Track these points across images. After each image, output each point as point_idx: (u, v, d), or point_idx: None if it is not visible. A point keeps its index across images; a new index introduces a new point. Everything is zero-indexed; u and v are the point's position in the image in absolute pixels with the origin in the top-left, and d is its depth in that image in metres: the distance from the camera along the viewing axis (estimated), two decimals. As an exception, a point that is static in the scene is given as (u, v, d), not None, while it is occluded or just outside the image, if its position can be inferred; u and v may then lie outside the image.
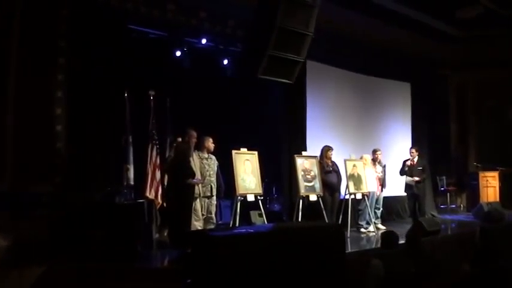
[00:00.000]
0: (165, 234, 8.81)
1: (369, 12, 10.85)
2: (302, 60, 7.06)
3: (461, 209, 13.92)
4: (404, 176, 10.63)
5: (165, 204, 8.76)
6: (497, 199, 12.67)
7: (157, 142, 8.83)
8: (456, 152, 14.73)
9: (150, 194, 8.60)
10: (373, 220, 9.85)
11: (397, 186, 11.15)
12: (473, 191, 13.39)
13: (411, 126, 13.35)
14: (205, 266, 4.96)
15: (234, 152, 8.26)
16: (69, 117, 7.88)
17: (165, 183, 8.80)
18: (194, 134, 7.49)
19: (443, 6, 11.31)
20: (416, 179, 10.35)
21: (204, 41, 9.52)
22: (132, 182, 8.35)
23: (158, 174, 8.74)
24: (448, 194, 13.41)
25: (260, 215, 9.22)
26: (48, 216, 7.17)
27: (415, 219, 9.24)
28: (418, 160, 10.52)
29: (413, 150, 10.61)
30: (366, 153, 10.36)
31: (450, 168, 14.23)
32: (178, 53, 9.31)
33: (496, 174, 13.01)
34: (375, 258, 5.13)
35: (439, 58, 13.63)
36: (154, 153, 8.75)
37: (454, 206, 13.64)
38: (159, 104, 8.93)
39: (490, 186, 12.90)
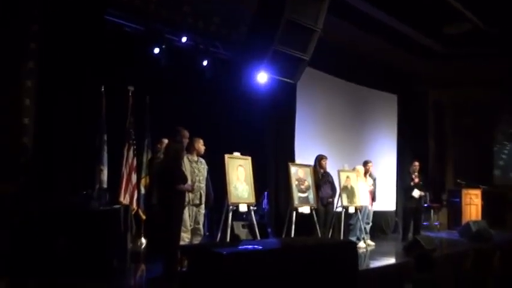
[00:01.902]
0: (139, 245, 8.07)
1: (356, 22, 10.35)
2: (307, 58, 6.38)
3: (438, 226, 13.46)
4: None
5: (141, 212, 8.06)
6: (479, 217, 12.30)
7: (134, 142, 8.09)
8: (434, 169, 14.39)
9: (124, 199, 7.85)
10: (362, 236, 9.22)
11: (380, 201, 10.52)
12: (454, 208, 13.00)
13: (396, 140, 12.86)
14: (210, 286, 4.16)
15: (226, 156, 7.49)
16: (39, 109, 6.99)
17: (143, 189, 8.12)
18: (186, 133, 6.65)
19: (430, 21, 11.00)
20: (422, 193, 9.85)
21: (184, 39, 8.70)
22: (105, 185, 7.49)
23: (134, 177, 8.05)
24: (432, 210, 12.93)
25: (243, 227, 8.52)
26: (10, 222, 6.18)
27: (414, 236, 8.66)
28: (418, 174, 10.01)
29: (417, 164, 10.14)
30: (354, 164, 9.75)
31: (429, 185, 13.83)
32: (156, 50, 8.45)
33: (479, 192, 12.76)
34: (408, 282, 4.45)
35: (420, 73, 13.32)
36: (131, 154, 8.02)
37: (437, 223, 13.17)
38: (137, 101, 8.13)
39: (472, 204, 12.60)
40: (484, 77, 13.12)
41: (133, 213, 7.89)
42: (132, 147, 8.01)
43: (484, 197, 12.85)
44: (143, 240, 8.19)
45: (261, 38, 6.12)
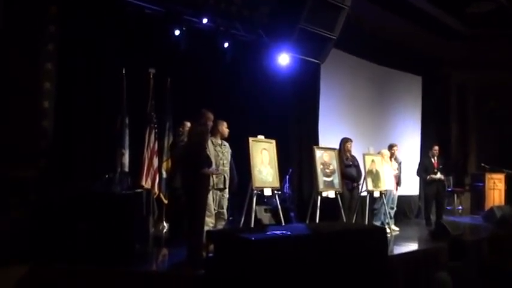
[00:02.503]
0: (161, 229, 7.98)
1: (381, 2, 9.96)
2: (334, 37, 6.18)
3: (461, 211, 13.22)
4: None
5: (163, 196, 7.96)
6: (503, 202, 12.06)
7: (155, 126, 7.99)
8: (456, 153, 14.12)
9: (146, 183, 7.78)
10: (387, 220, 9.03)
11: (404, 185, 10.27)
12: (477, 193, 12.75)
13: (421, 123, 12.58)
14: (238, 273, 4.02)
15: (251, 139, 7.31)
16: (59, 92, 6.82)
17: (164, 173, 8.01)
18: (211, 116, 6.47)
19: (454, 1, 10.75)
20: (442, 177, 9.57)
21: (204, 20, 8.44)
22: (127, 169, 7.40)
23: (156, 160, 7.96)
24: (455, 195, 12.69)
25: (266, 211, 8.39)
26: (32, 206, 6.09)
27: (439, 222, 8.43)
28: (437, 159, 9.74)
29: (436, 148, 9.88)
30: (378, 148, 9.56)
31: (451, 169, 13.58)
32: (177, 32, 8.22)
33: (502, 176, 12.50)
34: (442, 271, 4.25)
35: (444, 55, 12.97)
36: (152, 137, 7.93)
37: (460, 208, 12.93)
38: (159, 84, 8.01)
39: (496, 188, 12.34)
40: (509, 59, 12.74)
41: (154, 197, 7.79)
42: (153, 131, 7.91)
43: (507, 182, 12.55)
44: (165, 225, 8.12)
45: (287, 17, 5.97)
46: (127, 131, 7.48)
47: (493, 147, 14.22)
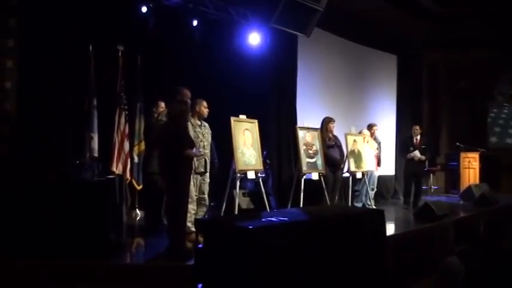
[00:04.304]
0: (134, 217, 7.55)
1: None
2: (321, 9, 5.78)
3: (433, 190, 13.14)
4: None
5: (135, 183, 7.53)
6: (477, 181, 12.00)
7: (126, 107, 7.56)
8: (428, 133, 14.03)
9: (117, 169, 7.40)
10: (368, 202, 8.85)
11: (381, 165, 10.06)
12: (452, 172, 12.69)
13: (396, 103, 12.38)
14: (236, 264, 3.63)
15: (232, 119, 6.88)
16: (21, 72, 6.37)
17: (136, 157, 7.56)
18: (188, 93, 5.98)
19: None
20: (423, 157, 9.33)
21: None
22: (96, 154, 6.97)
23: (127, 144, 7.57)
24: (431, 175, 12.58)
25: (244, 195, 8.03)
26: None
27: (425, 202, 8.17)
28: (420, 138, 9.51)
29: (417, 127, 9.64)
30: (358, 128, 9.29)
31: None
32: (144, 9, 7.70)
33: (477, 155, 12.42)
34: (450, 255, 3.97)
35: (416, 35, 12.69)
36: (122, 119, 7.53)
37: (436, 187, 12.85)
38: (128, 62, 7.54)
39: (471, 167, 12.25)
40: (481, 38, 12.65)
41: (127, 183, 7.35)
42: (123, 112, 7.52)
43: (481, 161, 12.48)
44: (138, 212, 7.70)
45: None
46: (95, 113, 7.08)
47: (465, 127, 14.22)
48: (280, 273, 3.67)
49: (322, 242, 4.06)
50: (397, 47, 12.31)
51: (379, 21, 11.08)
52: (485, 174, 12.39)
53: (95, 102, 7.02)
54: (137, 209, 7.70)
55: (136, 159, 7.70)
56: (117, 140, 7.37)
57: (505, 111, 14.71)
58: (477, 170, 12.35)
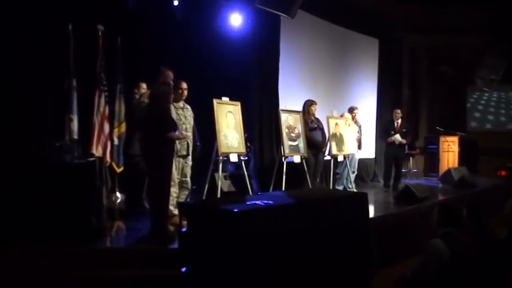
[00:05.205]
0: (114, 200, 7.45)
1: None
2: (306, -12, 5.70)
3: (411, 173, 13.24)
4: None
5: (115, 165, 7.44)
6: (456, 164, 12.14)
7: (106, 88, 7.43)
8: (408, 116, 14.12)
9: (96, 151, 7.29)
10: (349, 185, 8.89)
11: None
12: (431, 155, 12.79)
13: (377, 86, 12.36)
14: (218, 248, 3.61)
15: (215, 101, 6.79)
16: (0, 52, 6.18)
17: (116, 139, 7.46)
18: (171, 74, 5.84)
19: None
20: (404, 141, 9.37)
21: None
22: (76, 136, 6.81)
23: (107, 126, 7.46)
24: (411, 158, 12.68)
25: (226, 178, 7.97)
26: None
27: (406, 185, 8.22)
28: (401, 122, 9.53)
29: (399, 111, 9.65)
30: (340, 111, 9.30)
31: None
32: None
33: (456, 139, 12.57)
34: (435, 237, 3.98)
35: (397, 19, 12.67)
36: (102, 101, 7.41)
37: (416, 170, 12.97)
38: (108, 42, 7.38)
39: (450, 150, 12.38)
40: (463, 23, 12.69)
41: (107, 165, 7.23)
42: (103, 94, 7.38)
43: (460, 144, 12.66)
44: (118, 195, 7.61)
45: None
46: (75, 95, 6.93)
47: (445, 111, 14.36)
48: (266, 256, 3.66)
49: (307, 225, 4.07)
50: (379, 31, 12.26)
51: (362, 4, 11.05)
52: (464, 158, 12.61)
53: (75, 83, 6.88)
54: (117, 192, 7.62)
55: (116, 142, 7.61)
56: (96, 121, 7.27)
57: (485, 96, 14.89)
58: (456, 154, 12.52)
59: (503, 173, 13.05)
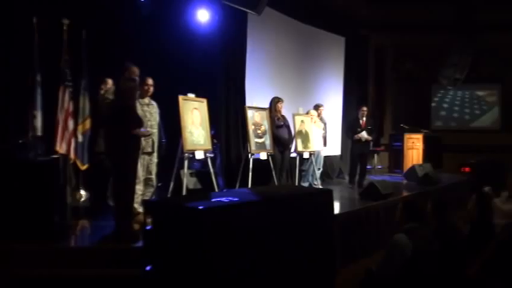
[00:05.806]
0: (78, 198, 7.34)
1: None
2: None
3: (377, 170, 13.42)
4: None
5: (79, 163, 7.31)
6: (421, 161, 12.36)
7: (70, 84, 7.21)
8: (374, 113, 14.31)
9: (60, 148, 7.06)
10: (314, 181, 8.96)
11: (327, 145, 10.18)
12: (396, 152, 12.97)
13: (343, 84, 12.47)
14: (183, 246, 3.61)
15: (180, 98, 6.76)
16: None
17: (80, 136, 7.34)
18: (137, 70, 5.81)
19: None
20: (370, 138, 9.49)
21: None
22: (39, 133, 6.67)
23: (71, 123, 7.22)
24: (376, 155, 12.85)
25: (192, 175, 7.92)
26: None
27: (370, 182, 8.34)
28: (366, 119, 9.65)
29: (364, 109, 9.76)
30: (305, 108, 9.36)
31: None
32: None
33: (420, 136, 12.76)
34: (398, 232, 4.05)
35: (363, 17, 12.89)
36: (66, 97, 7.17)
37: (380, 167, 13.15)
38: (73, 36, 7.20)
39: (415, 148, 12.59)
40: (428, 21, 12.94)
41: (70, 163, 7.10)
42: (67, 90, 7.17)
43: (425, 142, 12.84)
44: (82, 193, 7.48)
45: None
46: (39, 90, 6.76)
47: (409, 108, 14.60)
48: (231, 253, 3.67)
49: (272, 222, 4.11)
50: (346, 29, 12.39)
51: (329, 2, 11.14)
52: (428, 155, 12.80)
53: (39, 78, 6.72)
54: (81, 190, 7.50)
55: (80, 139, 7.45)
56: (60, 118, 7.09)
57: (450, 94, 15.20)
58: (420, 151, 12.71)
59: (466, 169, 13.31)
